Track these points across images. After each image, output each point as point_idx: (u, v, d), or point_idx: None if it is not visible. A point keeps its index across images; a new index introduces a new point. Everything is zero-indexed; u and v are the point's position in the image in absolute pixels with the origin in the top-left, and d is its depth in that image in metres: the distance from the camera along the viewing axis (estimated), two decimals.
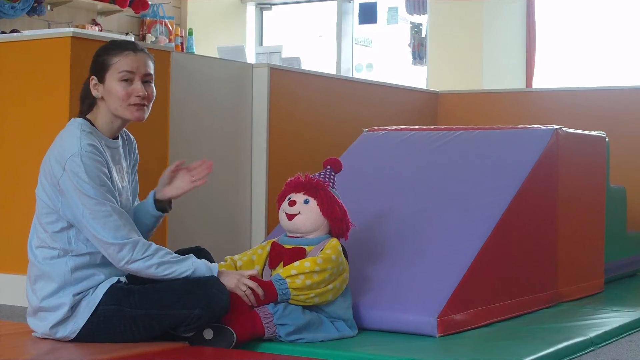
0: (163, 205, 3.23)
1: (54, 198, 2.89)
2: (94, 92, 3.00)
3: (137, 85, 2.99)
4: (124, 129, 3.12)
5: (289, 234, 3.24)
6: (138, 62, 3.00)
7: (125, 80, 2.97)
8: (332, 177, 3.30)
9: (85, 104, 3.04)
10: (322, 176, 3.28)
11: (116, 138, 3.06)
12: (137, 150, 3.21)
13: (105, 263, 2.91)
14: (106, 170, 2.91)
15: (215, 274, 2.95)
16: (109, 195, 2.87)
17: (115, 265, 2.88)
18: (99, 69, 3.00)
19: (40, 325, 2.93)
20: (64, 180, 2.84)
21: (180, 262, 2.90)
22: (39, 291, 2.91)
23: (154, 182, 4.43)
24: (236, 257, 3.28)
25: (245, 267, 3.23)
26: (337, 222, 3.20)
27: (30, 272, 2.97)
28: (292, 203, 3.20)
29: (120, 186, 3.01)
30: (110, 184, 2.91)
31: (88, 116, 3.01)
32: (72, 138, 2.89)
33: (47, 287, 2.89)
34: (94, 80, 3.00)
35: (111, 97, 2.98)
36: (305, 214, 3.18)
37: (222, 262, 3.23)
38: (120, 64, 2.98)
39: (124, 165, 3.08)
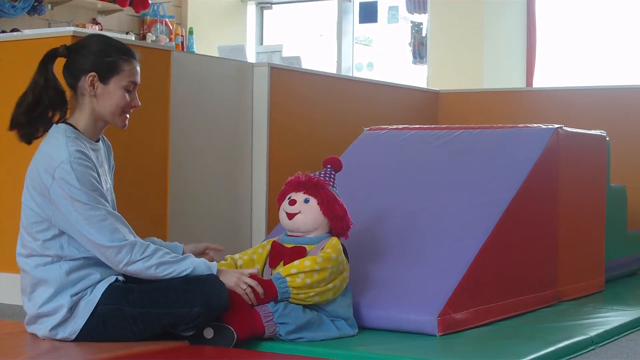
0: None
1: (44, 207, 2.85)
2: (88, 89, 2.91)
3: (135, 96, 2.99)
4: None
5: (289, 233, 3.24)
6: (139, 74, 3.00)
7: (128, 89, 2.96)
8: (332, 176, 3.30)
9: (53, 96, 2.93)
10: (322, 175, 3.27)
11: (97, 140, 3.02)
12: (112, 155, 3.15)
13: (100, 262, 2.88)
14: (96, 175, 2.88)
15: (214, 273, 2.95)
16: (102, 200, 2.84)
17: (114, 268, 2.86)
18: (106, 69, 2.93)
19: (40, 328, 2.91)
20: (55, 189, 2.80)
21: (179, 262, 2.89)
22: (37, 298, 2.88)
23: (154, 180, 4.44)
24: (236, 256, 3.29)
25: (246, 265, 3.23)
26: (337, 221, 3.20)
27: (25, 282, 2.93)
28: (293, 202, 3.20)
29: (105, 188, 2.97)
30: (101, 188, 2.88)
31: (69, 121, 2.94)
32: (58, 146, 2.84)
33: (45, 293, 2.86)
34: (94, 77, 2.92)
35: (109, 100, 2.94)
36: (305, 213, 3.18)
37: (222, 261, 3.23)
38: (131, 73, 2.96)
39: (106, 167, 3.05)
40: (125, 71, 2.95)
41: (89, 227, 2.79)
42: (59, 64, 3.01)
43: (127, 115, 3.00)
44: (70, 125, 2.93)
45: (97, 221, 2.80)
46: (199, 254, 3.18)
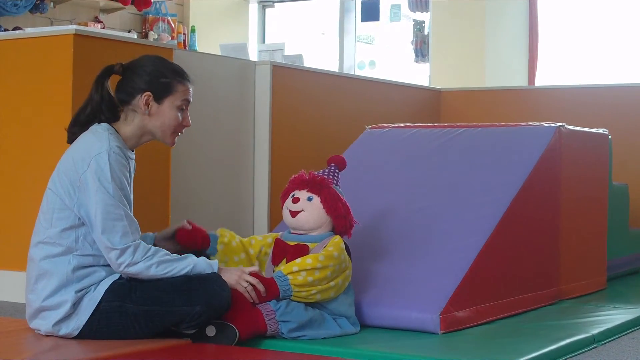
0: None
1: (72, 194, 2.88)
2: (143, 107, 2.99)
3: (187, 116, 3.07)
4: None
5: (292, 231, 3.25)
6: (192, 94, 3.08)
7: (180, 109, 3.03)
8: (336, 174, 3.30)
9: (103, 117, 3.00)
10: (326, 173, 3.28)
11: (133, 151, 3.07)
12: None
13: (108, 263, 2.90)
14: (128, 175, 2.94)
15: (216, 270, 2.95)
16: (125, 201, 2.89)
17: (115, 270, 2.88)
18: (161, 89, 3.01)
19: (42, 324, 2.92)
20: (86, 177, 2.84)
21: (180, 260, 2.91)
22: (41, 291, 2.89)
23: (156, 178, 4.44)
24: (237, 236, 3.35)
25: (242, 245, 3.28)
26: (340, 220, 3.20)
27: (30, 273, 2.95)
28: (296, 200, 3.21)
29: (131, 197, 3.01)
30: (128, 190, 2.93)
31: (113, 125, 3.01)
32: (100, 138, 2.91)
33: (49, 286, 2.88)
34: (149, 96, 2.99)
35: (161, 120, 3.01)
36: (308, 211, 3.19)
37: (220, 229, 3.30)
38: (185, 93, 3.04)
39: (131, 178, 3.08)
40: (179, 92, 3.03)
41: (104, 222, 2.82)
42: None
43: (179, 134, 3.09)
44: (112, 127, 3.00)
45: (113, 219, 2.83)
46: (170, 236, 3.22)
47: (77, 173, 2.87)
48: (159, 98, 3.00)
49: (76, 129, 3.03)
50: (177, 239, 3.24)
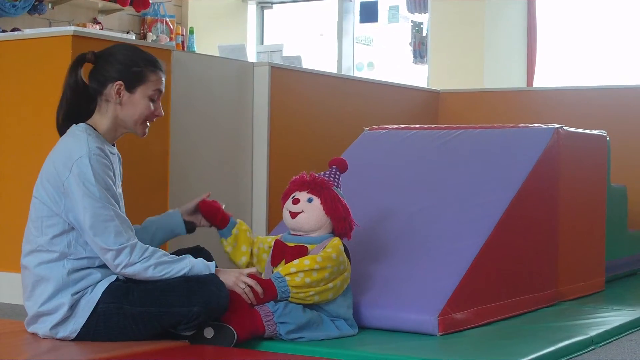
0: (192, 226, 3.29)
1: (57, 200, 2.86)
2: (114, 97, 2.97)
3: (159, 105, 3.04)
4: None
5: (292, 232, 3.25)
6: (164, 84, 3.06)
7: (152, 99, 3.01)
8: (337, 176, 3.30)
9: (83, 107, 3.00)
10: (327, 175, 3.28)
11: (113, 145, 3.06)
12: (121, 165, 3.16)
13: (103, 264, 2.89)
14: (112, 174, 2.92)
15: (213, 272, 2.95)
16: (112, 200, 2.87)
17: (112, 270, 2.87)
18: (133, 79, 2.98)
19: (40, 328, 2.91)
20: (70, 182, 2.82)
21: (177, 262, 2.90)
22: (38, 296, 2.88)
23: (154, 180, 4.44)
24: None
25: (251, 242, 3.33)
26: (340, 222, 3.20)
27: (26, 281, 2.94)
28: (296, 201, 3.21)
29: (117, 192, 2.99)
30: (114, 190, 2.91)
31: (88, 122, 2.98)
32: (79, 141, 2.88)
33: (45, 291, 2.87)
34: (120, 85, 2.96)
35: (133, 109, 2.99)
36: (308, 212, 3.19)
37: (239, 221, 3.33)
38: (157, 83, 3.01)
39: (118, 173, 3.07)
40: (151, 81, 3.00)
41: (95, 225, 2.80)
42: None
43: (148, 124, 3.06)
44: (90, 126, 2.97)
45: (103, 221, 2.81)
46: (193, 210, 3.27)
47: (60, 179, 2.85)
48: (130, 87, 2.98)
49: (66, 122, 3.00)
50: (200, 207, 3.27)
